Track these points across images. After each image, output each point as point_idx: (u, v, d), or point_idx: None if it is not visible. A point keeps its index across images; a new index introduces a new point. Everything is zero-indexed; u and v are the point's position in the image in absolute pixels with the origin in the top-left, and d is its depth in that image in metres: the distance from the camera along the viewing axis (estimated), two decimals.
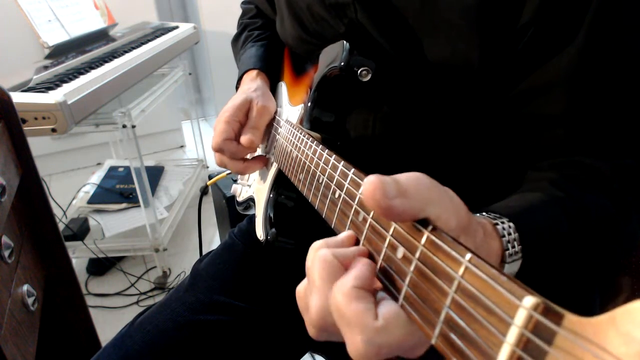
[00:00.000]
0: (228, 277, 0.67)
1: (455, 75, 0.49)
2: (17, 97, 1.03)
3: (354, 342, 0.27)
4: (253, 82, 0.68)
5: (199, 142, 2.32)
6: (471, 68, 0.47)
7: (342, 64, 0.50)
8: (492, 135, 0.52)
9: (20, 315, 0.65)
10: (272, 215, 0.58)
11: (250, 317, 0.64)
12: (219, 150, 0.62)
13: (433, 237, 0.25)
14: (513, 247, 0.36)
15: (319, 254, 0.31)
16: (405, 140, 0.55)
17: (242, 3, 0.87)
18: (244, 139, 0.60)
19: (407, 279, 0.27)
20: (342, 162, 0.38)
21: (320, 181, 0.42)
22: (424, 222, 0.27)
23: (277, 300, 0.65)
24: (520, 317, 0.19)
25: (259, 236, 0.59)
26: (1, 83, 0.71)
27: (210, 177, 1.38)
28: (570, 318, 0.17)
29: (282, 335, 0.65)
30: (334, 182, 0.39)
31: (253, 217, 0.73)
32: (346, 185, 0.36)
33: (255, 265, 0.68)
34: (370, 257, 0.31)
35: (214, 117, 2.98)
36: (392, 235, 0.29)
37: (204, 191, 1.06)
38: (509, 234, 0.36)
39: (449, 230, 0.27)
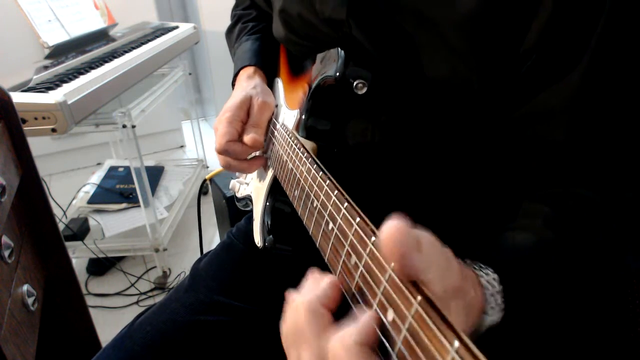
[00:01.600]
0: (227, 277, 0.67)
1: (454, 94, 0.48)
2: (17, 97, 1.03)
3: None
4: (251, 80, 0.67)
5: (199, 142, 2.32)
6: (471, 88, 0.47)
7: (337, 74, 0.49)
8: (494, 152, 0.52)
9: (20, 315, 0.65)
10: (269, 222, 0.58)
11: (250, 318, 0.63)
12: (223, 152, 0.60)
13: (422, 312, 0.24)
14: (496, 300, 0.36)
15: (305, 302, 0.30)
16: (406, 149, 0.54)
17: None
18: (248, 138, 0.59)
19: (396, 349, 0.25)
20: (336, 192, 0.37)
21: (314, 205, 0.40)
22: (415, 285, 0.26)
23: (277, 300, 0.65)
24: None
25: (256, 242, 0.59)
26: (1, 83, 0.71)
27: (206, 182, 1.38)
28: None
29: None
30: (327, 213, 0.37)
31: (251, 216, 0.73)
32: (339, 220, 0.35)
33: (255, 265, 0.68)
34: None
35: (214, 117, 2.97)
36: (382, 294, 0.28)
37: (202, 189, 1.06)
38: (493, 286, 0.36)
39: (433, 293, 0.26)
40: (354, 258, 0.32)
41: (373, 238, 0.30)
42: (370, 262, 0.30)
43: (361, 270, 0.30)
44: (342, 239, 0.34)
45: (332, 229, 0.36)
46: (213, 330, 0.61)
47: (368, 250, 0.30)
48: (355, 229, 0.32)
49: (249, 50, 0.72)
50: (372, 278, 0.29)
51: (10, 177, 0.70)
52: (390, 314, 0.26)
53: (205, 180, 0.98)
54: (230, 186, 0.78)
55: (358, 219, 0.32)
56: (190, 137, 2.55)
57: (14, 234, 0.69)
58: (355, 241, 0.32)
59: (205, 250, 0.78)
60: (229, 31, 0.82)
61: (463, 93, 0.48)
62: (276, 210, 0.58)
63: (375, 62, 0.51)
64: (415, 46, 0.48)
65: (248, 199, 0.71)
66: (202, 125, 2.50)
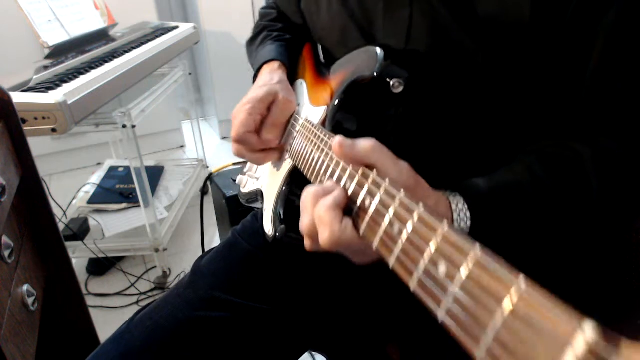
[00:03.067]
0: (229, 274, 0.67)
1: (504, 32, 0.49)
2: (17, 97, 1.03)
3: (324, 235, 0.40)
4: (275, 73, 0.67)
5: (199, 142, 2.32)
6: (521, 25, 0.48)
7: (375, 74, 0.50)
8: (510, 122, 0.54)
9: (20, 315, 0.65)
10: (282, 212, 0.59)
11: (250, 315, 0.64)
12: (239, 141, 0.61)
13: (481, 259, 0.25)
14: (464, 221, 0.44)
15: (325, 204, 0.40)
16: (420, 138, 0.56)
17: (262, 8, 0.87)
18: (267, 136, 0.61)
19: (451, 297, 0.26)
20: (374, 171, 0.38)
21: (347, 187, 0.42)
22: (470, 243, 0.27)
23: (278, 299, 0.65)
24: (579, 345, 0.19)
25: (267, 232, 0.59)
26: (1, 83, 0.71)
27: (211, 177, 1.38)
28: (627, 345, 0.17)
29: (282, 333, 0.65)
30: (366, 189, 0.38)
31: (258, 214, 0.73)
32: (380, 194, 0.36)
33: (257, 263, 0.68)
34: (407, 270, 0.31)
35: (214, 117, 2.97)
36: (434, 251, 0.28)
37: (204, 187, 1.06)
38: (461, 209, 0.44)
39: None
40: (397, 225, 0.33)
41: (420, 205, 0.32)
42: (418, 223, 0.31)
43: (408, 236, 0.31)
44: (383, 209, 0.35)
45: (370, 203, 0.37)
46: (213, 326, 0.61)
47: (415, 215, 0.31)
48: (399, 200, 0.34)
49: (275, 50, 0.73)
50: (420, 239, 0.30)
51: (10, 177, 0.70)
52: (443, 267, 0.27)
53: (211, 174, 0.98)
54: (237, 180, 0.78)
55: (402, 193, 0.34)
56: (190, 137, 2.55)
57: (14, 234, 0.69)
58: (400, 210, 0.33)
59: (206, 250, 0.78)
60: (252, 40, 0.82)
61: (513, 31, 0.49)
62: (290, 201, 0.59)
63: (412, 57, 0.53)
64: None
65: (255, 194, 0.71)
66: (202, 125, 2.50)
